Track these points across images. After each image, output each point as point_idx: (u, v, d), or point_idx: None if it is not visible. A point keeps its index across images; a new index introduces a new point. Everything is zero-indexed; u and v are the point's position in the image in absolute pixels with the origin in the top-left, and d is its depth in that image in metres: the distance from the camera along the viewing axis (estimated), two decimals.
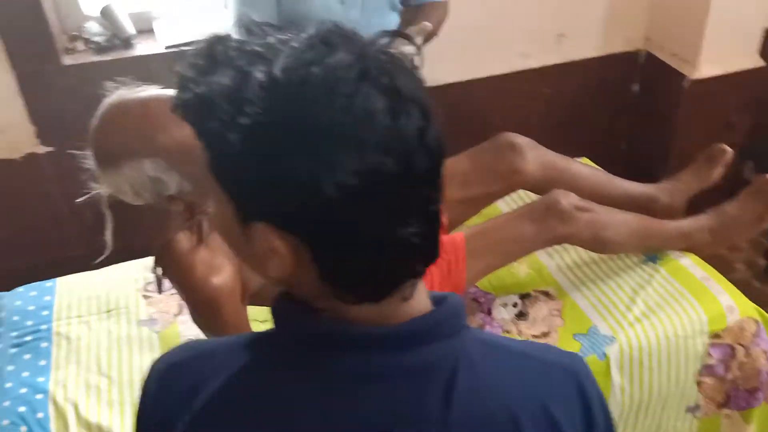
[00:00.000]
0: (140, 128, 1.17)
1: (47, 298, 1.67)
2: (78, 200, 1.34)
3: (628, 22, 2.61)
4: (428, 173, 0.58)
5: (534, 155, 1.76)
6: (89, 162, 1.25)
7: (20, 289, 1.73)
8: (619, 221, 1.63)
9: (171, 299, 1.66)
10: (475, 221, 1.74)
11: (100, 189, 1.24)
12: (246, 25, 0.61)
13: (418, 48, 1.83)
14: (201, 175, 0.60)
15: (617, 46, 2.65)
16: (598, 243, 1.63)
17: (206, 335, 1.34)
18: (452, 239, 1.52)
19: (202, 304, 1.29)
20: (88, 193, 2.23)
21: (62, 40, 2.14)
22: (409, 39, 0.66)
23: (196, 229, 1.28)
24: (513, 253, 1.58)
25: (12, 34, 1.99)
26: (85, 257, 2.23)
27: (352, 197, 0.54)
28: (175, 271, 1.30)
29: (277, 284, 0.64)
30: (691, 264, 1.67)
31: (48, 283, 1.73)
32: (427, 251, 0.60)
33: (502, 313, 1.59)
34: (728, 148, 1.82)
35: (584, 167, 1.85)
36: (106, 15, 2.13)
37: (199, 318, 1.33)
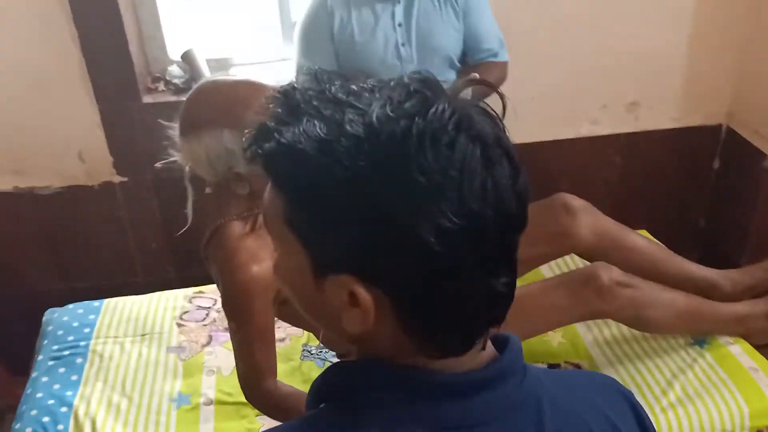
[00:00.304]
0: (226, 102, 1.25)
1: (92, 316, 1.76)
2: (157, 164, 1.44)
3: (710, 95, 2.51)
4: (519, 219, 0.59)
5: (589, 220, 1.70)
6: (174, 131, 1.34)
7: (70, 306, 1.83)
8: (665, 300, 1.53)
9: (202, 330, 1.70)
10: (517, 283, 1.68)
11: (179, 158, 1.33)
12: (313, 73, 0.60)
13: (502, 96, 1.83)
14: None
15: (696, 119, 2.55)
16: (640, 322, 1.54)
17: (229, 326, 1.36)
18: None
19: (236, 290, 1.30)
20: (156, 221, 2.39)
21: (146, 80, 2.31)
22: (492, 87, 0.68)
23: (251, 219, 1.33)
24: (544, 324, 1.52)
25: (99, 71, 2.17)
26: (144, 284, 2.37)
27: (450, 245, 0.53)
28: (220, 252, 1.32)
29: (348, 339, 0.61)
30: (740, 352, 1.54)
31: (95, 303, 1.82)
32: (509, 299, 0.61)
33: None
34: None
35: (642, 239, 1.76)
36: (187, 59, 2.29)
37: (228, 305, 1.34)
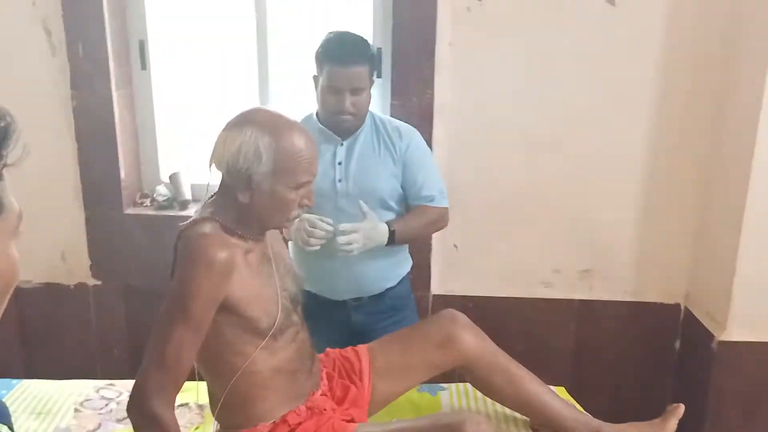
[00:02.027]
0: (275, 118, 1.47)
1: (3, 391, 1.87)
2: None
3: (666, 273, 2.53)
4: None
5: (475, 332, 1.77)
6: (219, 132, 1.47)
7: None
8: None
9: (95, 416, 1.77)
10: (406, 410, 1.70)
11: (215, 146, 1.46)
12: None
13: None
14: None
15: (653, 296, 2.56)
16: None
17: (159, 322, 1.39)
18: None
19: (194, 270, 1.37)
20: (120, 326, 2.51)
21: (135, 195, 2.58)
22: None
23: (234, 236, 1.46)
24: None
25: (90, 181, 2.47)
26: None
27: None
28: (190, 239, 1.42)
29: None
30: None
31: (13, 381, 1.93)
32: None
33: None
34: (681, 405, 1.74)
35: (526, 373, 1.78)
36: (173, 181, 2.56)
37: (177, 287, 1.39)
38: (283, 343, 1.55)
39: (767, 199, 2.12)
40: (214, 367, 1.53)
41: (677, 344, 2.57)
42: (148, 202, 2.57)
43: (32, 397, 1.85)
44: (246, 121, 1.44)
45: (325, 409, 1.61)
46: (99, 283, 2.57)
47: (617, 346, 2.57)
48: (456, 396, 1.94)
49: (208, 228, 1.44)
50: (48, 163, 2.44)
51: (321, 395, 1.65)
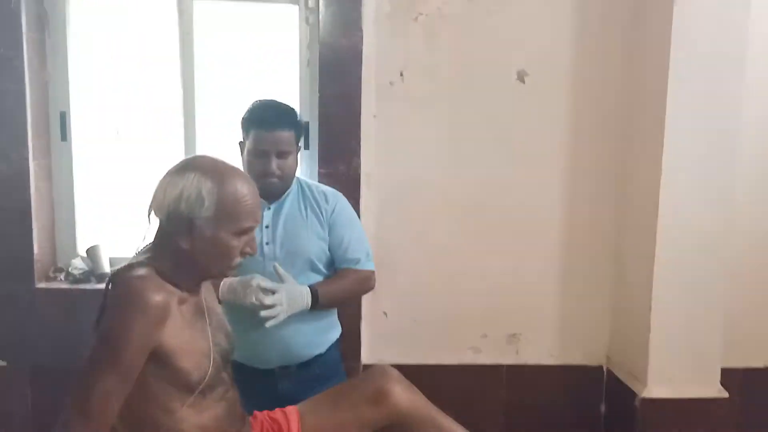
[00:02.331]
0: (218, 165, 1.46)
1: None
2: None
3: (587, 335, 2.61)
4: None
5: (406, 386, 1.75)
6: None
7: None
8: None
9: None
10: None
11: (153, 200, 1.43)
12: None
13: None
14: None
15: (576, 358, 2.61)
16: None
17: (88, 363, 1.31)
18: None
19: (127, 313, 1.31)
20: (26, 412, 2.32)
21: (48, 269, 2.46)
22: None
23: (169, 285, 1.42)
24: None
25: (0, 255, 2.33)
26: None
27: None
28: (122, 285, 1.36)
29: None
30: None
31: None
32: None
33: None
34: None
35: (457, 426, 1.76)
36: (90, 254, 2.47)
37: (108, 329, 1.32)
38: (211, 400, 1.48)
39: (674, 256, 2.25)
40: (135, 424, 1.43)
41: (602, 407, 2.61)
42: (62, 276, 2.45)
43: None
44: (188, 166, 1.43)
45: None
46: (4, 364, 2.39)
47: (546, 411, 2.59)
48: None
49: (143, 272, 1.39)
50: None
51: None
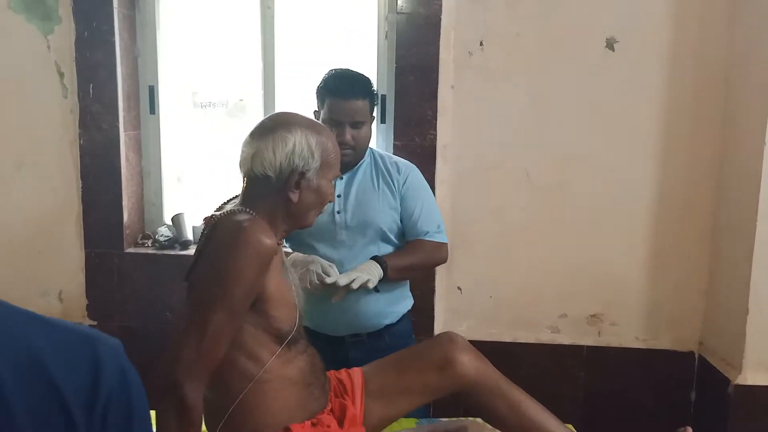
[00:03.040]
0: (312, 121, 1.52)
1: None
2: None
3: (678, 320, 2.45)
4: None
5: (475, 355, 1.70)
6: (244, 141, 1.49)
7: None
8: None
9: None
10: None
11: (243, 154, 1.47)
12: None
13: None
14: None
15: (665, 343, 2.47)
16: None
17: (191, 306, 1.34)
18: None
19: (237, 256, 1.33)
20: None
21: (136, 236, 2.58)
22: None
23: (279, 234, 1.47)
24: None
25: (92, 221, 2.47)
26: None
27: None
28: (230, 230, 1.38)
29: None
30: None
31: None
32: None
33: None
34: (689, 428, 1.64)
35: (529, 398, 1.69)
36: (175, 223, 2.56)
37: (217, 272, 1.34)
38: (296, 352, 1.50)
39: None
40: (223, 371, 1.43)
41: (692, 395, 2.46)
42: (149, 242, 2.56)
43: None
44: (287, 123, 1.47)
45: (329, 426, 1.53)
46: (95, 323, 2.53)
47: (629, 395, 2.47)
48: None
49: (248, 216, 1.42)
50: (51, 200, 2.45)
51: (327, 414, 1.58)
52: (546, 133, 2.38)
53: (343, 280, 1.85)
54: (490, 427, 1.36)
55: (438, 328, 2.49)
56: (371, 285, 1.89)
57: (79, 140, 2.43)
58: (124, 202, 2.48)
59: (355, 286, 1.87)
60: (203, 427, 1.51)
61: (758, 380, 2.13)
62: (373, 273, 1.93)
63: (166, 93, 2.57)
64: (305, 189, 1.47)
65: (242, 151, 1.48)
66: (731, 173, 2.26)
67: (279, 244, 1.50)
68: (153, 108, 2.55)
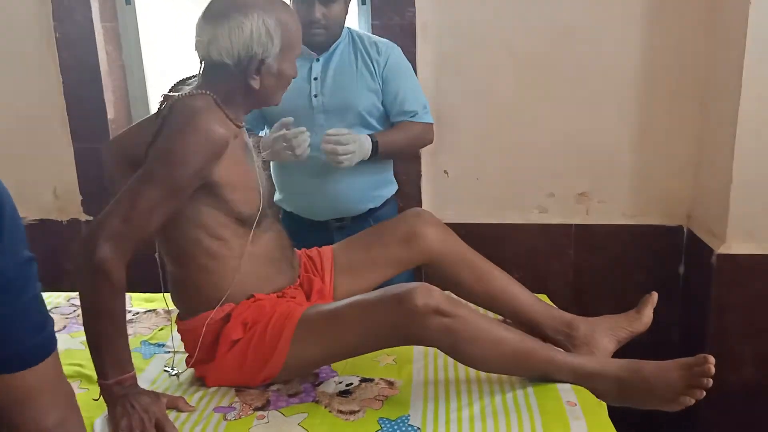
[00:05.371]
0: None
1: None
2: None
3: (665, 195, 2.42)
4: None
5: (440, 229, 1.72)
6: (197, 22, 1.44)
7: None
8: (491, 338, 1.38)
9: (61, 320, 1.76)
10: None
11: (198, 38, 1.43)
12: None
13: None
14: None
15: (652, 219, 2.45)
16: (458, 355, 1.40)
17: (140, 172, 1.34)
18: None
19: (188, 135, 1.33)
20: None
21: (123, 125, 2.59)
22: None
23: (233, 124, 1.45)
24: (363, 339, 1.42)
25: (77, 115, 2.48)
26: None
27: None
28: (184, 113, 1.37)
29: None
30: (567, 389, 1.39)
31: None
32: None
33: (328, 387, 1.44)
34: (655, 293, 1.68)
35: (496, 269, 1.71)
36: None
37: (166, 145, 1.34)
38: (260, 232, 1.53)
39: (759, 106, 2.01)
40: (186, 250, 1.49)
41: (681, 268, 2.46)
42: None
43: None
44: (242, 5, 1.40)
45: (294, 297, 1.58)
46: (91, 218, 2.58)
47: (618, 272, 2.48)
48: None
49: (205, 102, 1.41)
50: (36, 99, 2.46)
51: (294, 288, 1.62)
52: (529, 3, 2.29)
53: (331, 148, 1.86)
54: (438, 289, 1.38)
55: None
56: (347, 163, 1.88)
57: (55, 33, 2.40)
58: (107, 97, 2.47)
59: (344, 162, 1.87)
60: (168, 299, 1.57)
61: (741, 249, 2.12)
62: (363, 146, 1.92)
63: None
64: (266, 74, 1.44)
65: (197, 35, 1.44)
66: (719, 41, 2.17)
67: (240, 126, 1.50)
68: None
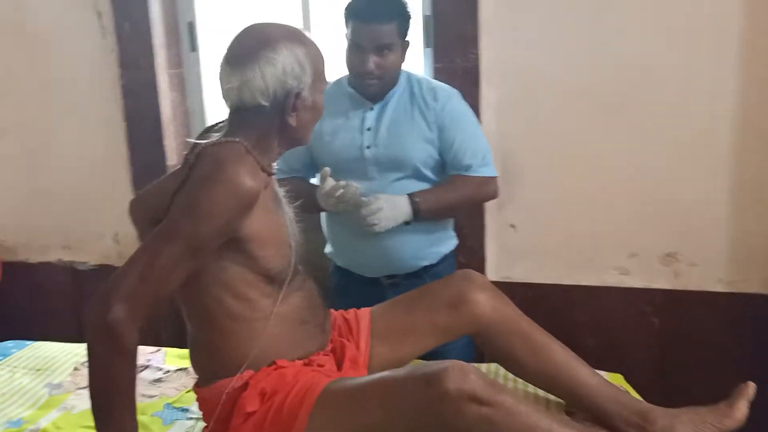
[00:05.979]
0: (288, 28, 1.35)
1: (14, 350, 1.88)
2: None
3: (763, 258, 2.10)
4: None
5: (493, 294, 1.53)
6: (222, 69, 1.34)
7: (10, 343, 1.96)
8: (537, 428, 1.19)
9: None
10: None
11: (228, 85, 1.32)
12: None
13: None
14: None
15: (753, 286, 2.12)
16: None
17: (162, 226, 1.23)
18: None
19: (215, 187, 1.21)
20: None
21: None
22: None
23: (266, 172, 1.34)
24: (379, 430, 1.26)
25: (137, 161, 2.48)
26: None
27: None
28: (214, 162, 1.25)
29: None
30: None
31: (27, 342, 1.94)
32: None
33: None
34: (752, 384, 1.40)
35: (556, 343, 1.48)
36: None
37: (190, 196, 1.23)
38: (290, 290, 1.40)
39: None
40: (208, 312, 1.37)
41: None
42: None
43: (37, 356, 1.85)
44: (268, 41, 1.30)
45: (322, 366, 1.42)
46: None
47: (712, 349, 2.15)
48: None
49: (236, 151, 1.30)
50: (100, 143, 2.49)
51: (324, 354, 1.47)
52: (606, 40, 2.07)
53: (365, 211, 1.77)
54: (475, 371, 1.18)
55: (490, 270, 2.29)
56: (379, 229, 1.78)
57: (121, 80, 2.43)
58: (168, 143, 2.47)
59: (369, 219, 1.76)
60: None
61: None
62: (397, 208, 1.79)
63: (206, 29, 2.51)
64: (302, 109, 1.33)
65: (225, 82, 1.33)
66: None
67: (271, 174, 1.39)
68: (193, 45, 2.50)
